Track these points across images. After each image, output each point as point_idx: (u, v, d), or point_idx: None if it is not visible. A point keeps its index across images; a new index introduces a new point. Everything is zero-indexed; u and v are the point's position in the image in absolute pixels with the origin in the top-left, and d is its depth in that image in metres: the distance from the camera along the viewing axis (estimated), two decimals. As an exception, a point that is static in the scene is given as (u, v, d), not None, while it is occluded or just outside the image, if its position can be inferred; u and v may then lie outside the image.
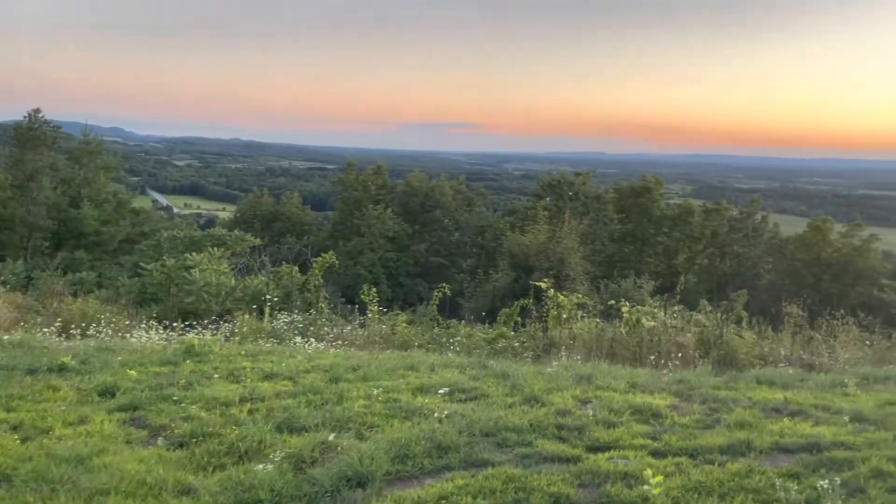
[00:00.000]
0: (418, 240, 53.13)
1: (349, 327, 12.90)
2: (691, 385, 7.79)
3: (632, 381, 7.86)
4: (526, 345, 12.58)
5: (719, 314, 15.67)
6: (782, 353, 11.51)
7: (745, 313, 16.17)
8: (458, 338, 12.37)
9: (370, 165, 59.73)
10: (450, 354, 10.39)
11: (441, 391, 6.93)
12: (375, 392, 6.95)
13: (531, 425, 5.83)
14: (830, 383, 8.10)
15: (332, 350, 10.34)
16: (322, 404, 6.65)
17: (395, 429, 5.75)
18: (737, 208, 49.47)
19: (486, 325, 15.49)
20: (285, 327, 12.34)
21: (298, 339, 11.14)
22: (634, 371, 9.06)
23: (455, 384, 7.37)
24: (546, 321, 13.37)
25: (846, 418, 5.87)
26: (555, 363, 8.98)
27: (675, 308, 14.12)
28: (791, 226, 61.56)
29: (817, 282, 44.79)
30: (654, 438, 5.50)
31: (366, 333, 12.49)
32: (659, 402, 6.78)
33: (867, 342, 12.38)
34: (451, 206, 54.06)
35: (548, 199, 46.54)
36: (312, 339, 11.02)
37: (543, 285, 14.27)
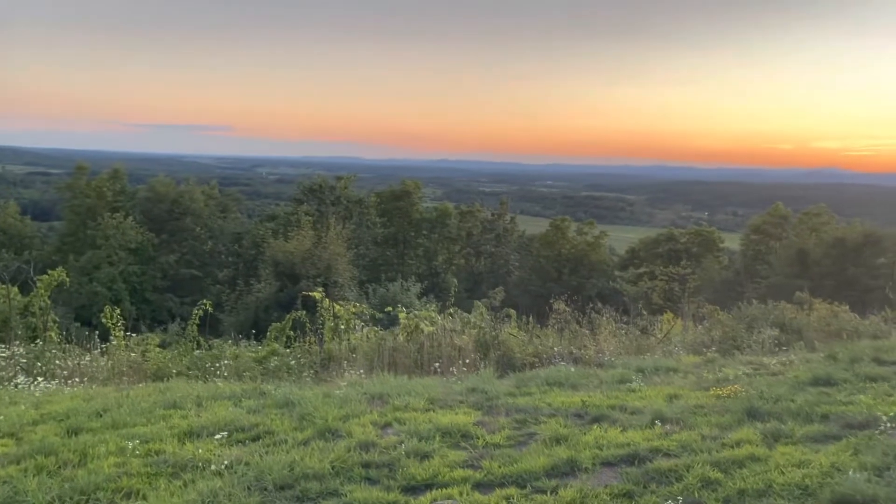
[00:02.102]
0: (166, 250, 48.73)
1: (88, 357, 10.82)
2: (487, 394, 7.44)
3: (428, 396, 7.31)
4: (302, 361, 11.59)
5: (491, 314, 15.97)
6: (555, 350, 11.83)
7: (513, 312, 16.67)
8: (226, 360, 10.97)
9: (105, 169, 53.55)
10: (218, 382, 9.06)
11: (218, 436, 5.75)
12: (130, 444, 5.58)
13: (333, 468, 4.96)
14: (614, 379, 8.27)
15: (67, 390, 8.45)
16: (58, 469, 5.15)
17: (161, 494, 4.54)
18: (488, 210, 52.44)
19: (253, 341, 14.19)
20: (2, 364, 9.99)
21: (22, 378, 9.03)
22: (425, 383, 8.55)
23: (232, 422, 6.22)
24: (322, 333, 12.51)
25: (649, 419, 5.82)
26: (343, 384, 8.13)
27: (451, 311, 14.05)
28: (529, 225, 66.78)
29: (559, 276, 49.03)
30: (473, 467, 4.94)
31: (110, 364, 10.56)
32: (463, 418, 6.28)
33: (623, 333, 13.28)
34: (202, 212, 50.37)
35: (309, 204, 45.32)
36: (41, 378, 8.98)
37: (317, 295, 13.35)
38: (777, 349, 11.34)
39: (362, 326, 13.61)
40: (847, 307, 14.74)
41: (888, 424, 4.89)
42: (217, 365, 10.55)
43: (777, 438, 4.90)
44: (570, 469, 4.68)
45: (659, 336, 14.11)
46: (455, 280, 14.88)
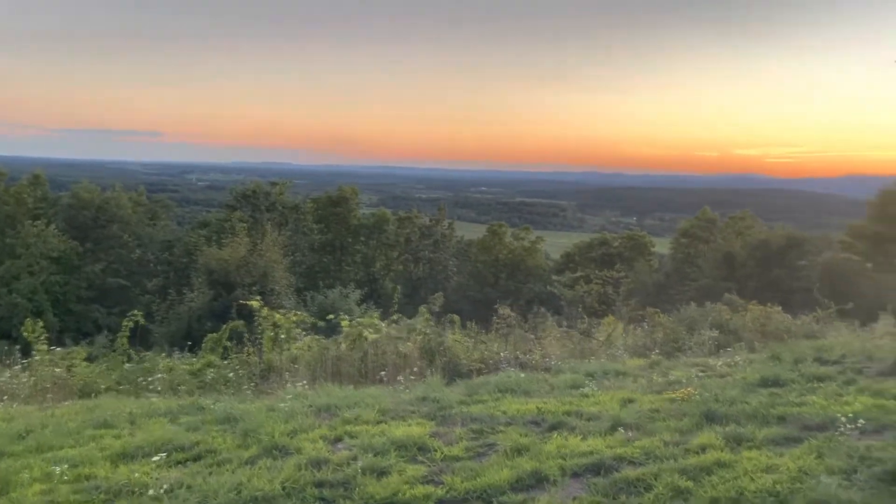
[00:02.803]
0: (92, 259, 46.59)
1: (8, 374, 10.13)
2: (439, 403, 7.24)
3: (378, 406, 7.05)
4: (241, 373, 11.13)
5: (434, 320, 15.74)
6: (501, 355, 11.71)
7: (457, 317, 16.52)
8: (159, 373, 10.41)
9: (24, 175, 50.92)
10: (152, 398, 8.58)
11: (155, 457, 5.35)
12: (58, 469, 5.13)
13: (284, 488, 4.65)
14: (565, 384, 8.19)
15: (-16, 410, 7.82)
16: (-26, 501, 4.67)
17: (94, 525, 4.15)
18: (426, 216, 52.31)
19: (187, 352, 13.58)
20: None
21: (-69, 400, 8.33)
22: (373, 393, 8.28)
23: (170, 441, 5.82)
24: (261, 343, 12.06)
25: (608, 425, 5.72)
26: (288, 396, 7.77)
27: (395, 317, 13.78)
28: (466, 231, 66.90)
29: (497, 280, 49.28)
30: (434, 482, 4.71)
31: (32, 380, 9.87)
32: (418, 430, 6.05)
33: (567, 337, 13.29)
34: (130, 219, 48.38)
35: (243, 210, 44.17)
36: (-47, 399, 8.31)
37: (255, 304, 12.86)
38: (717, 350, 11.54)
39: (304, 335, 13.21)
40: (779, 308, 15.21)
41: (848, 426, 4.90)
42: (150, 379, 10.01)
43: (739, 442, 4.85)
44: (535, 481, 4.51)
45: (601, 339, 14.20)
46: (398, 287, 14.56)
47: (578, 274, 43.05)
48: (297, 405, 7.36)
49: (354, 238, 47.60)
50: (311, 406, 7.32)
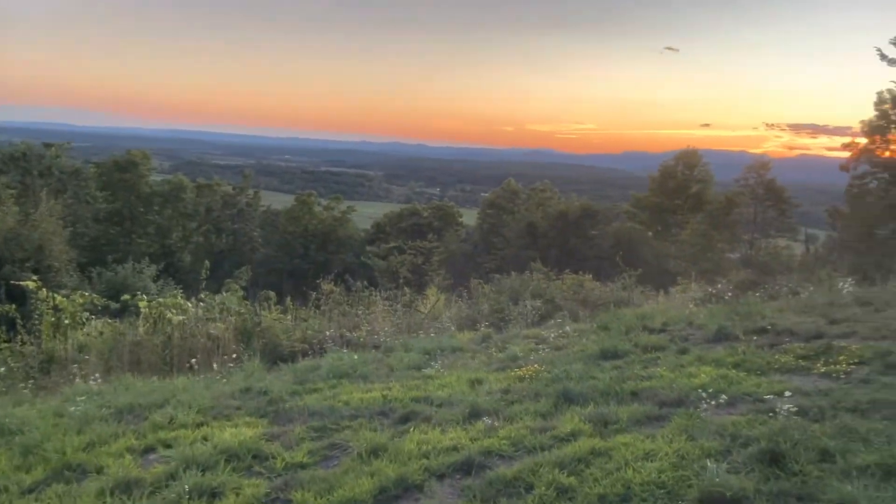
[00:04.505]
0: None
1: None
2: (267, 396, 6.40)
3: (196, 404, 6.07)
4: (15, 367, 9.40)
5: (245, 296, 14.56)
6: (327, 333, 10.97)
7: (273, 293, 15.39)
8: None
9: None
10: None
11: None
12: None
13: (85, 526, 3.66)
14: (404, 365, 7.69)
15: None
16: None
17: None
18: (229, 185, 49.19)
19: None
20: None
21: None
22: (184, 385, 7.24)
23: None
24: (39, 331, 10.30)
25: (463, 412, 5.27)
26: (80, 398, 6.49)
27: (203, 296, 12.50)
28: (270, 200, 64.31)
29: (306, 252, 47.82)
30: (281, 502, 3.95)
31: None
32: (248, 432, 5.21)
33: (392, 311, 12.82)
34: None
35: (10, 175, 38.43)
36: None
37: (32, 284, 10.95)
38: (541, 320, 11.70)
39: (93, 319, 11.55)
40: (591, 276, 15.93)
41: (704, 401, 4.86)
42: None
43: (606, 425, 4.62)
44: (402, 490, 3.91)
45: (425, 312, 13.94)
46: (207, 261, 13.16)
47: (392, 245, 42.96)
48: (91, 407, 6.15)
49: (147, 207, 43.50)
50: (109, 408, 6.15)
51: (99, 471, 4.55)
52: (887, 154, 35.29)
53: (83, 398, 6.48)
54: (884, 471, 3.42)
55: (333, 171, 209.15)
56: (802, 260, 35.59)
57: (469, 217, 57.08)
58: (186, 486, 4.08)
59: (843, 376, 5.43)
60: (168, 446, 5.02)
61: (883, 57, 15.92)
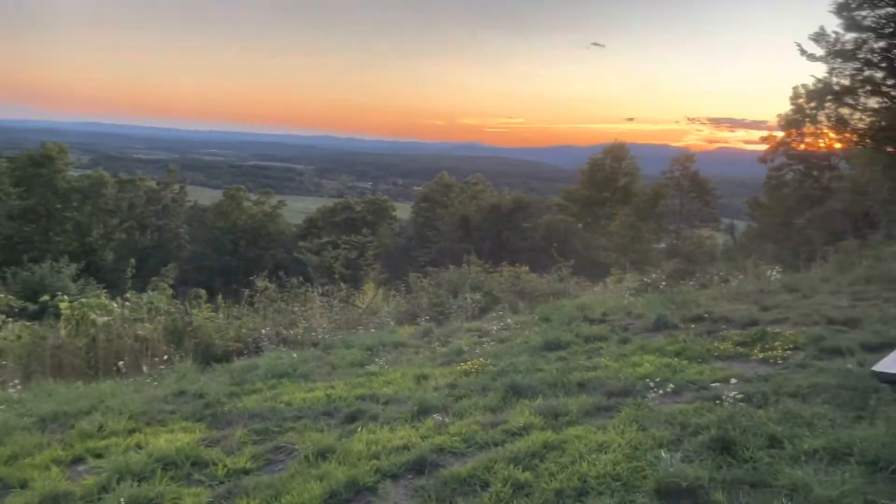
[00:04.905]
0: None
1: None
2: (204, 399, 6.14)
3: (126, 409, 5.77)
4: (-79, 377, 8.77)
5: (174, 295, 14.03)
6: (262, 332, 10.67)
7: (203, 291, 14.89)
8: None
9: None
10: None
11: None
12: None
13: (10, 550, 3.38)
14: (346, 362, 7.52)
15: None
16: None
17: None
18: (152, 180, 47.37)
19: None
20: None
21: None
22: (112, 390, 6.88)
23: None
24: (-52, 337, 9.69)
25: (411, 409, 5.17)
26: (-2, 407, 6.07)
27: (129, 295, 11.98)
28: (197, 195, 62.40)
29: (236, 248, 46.60)
30: (226, 512, 3.76)
31: None
32: (185, 437, 4.97)
33: (329, 306, 12.58)
34: None
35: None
36: None
37: (-62, 287, 10.26)
38: (481, 313, 11.68)
39: (9, 322, 10.96)
40: (527, 268, 16.03)
41: (651, 391, 4.90)
42: None
43: (556, 417, 4.59)
44: (353, 493, 3.77)
45: (363, 307, 13.74)
46: (133, 259, 12.51)
47: (325, 239, 42.29)
48: (11, 417, 5.77)
49: (64, 203, 41.43)
50: (31, 416, 5.78)
51: (23, 485, 4.24)
52: (803, 147, 37.00)
53: (2, 407, 6.09)
54: (831, 455, 3.50)
55: (261, 166, 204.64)
56: (726, 249, 36.94)
57: (402, 211, 56.79)
58: (122, 499, 3.84)
59: (780, 362, 5.58)
60: (99, 456, 4.74)
61: (803, 52, 16.48)
